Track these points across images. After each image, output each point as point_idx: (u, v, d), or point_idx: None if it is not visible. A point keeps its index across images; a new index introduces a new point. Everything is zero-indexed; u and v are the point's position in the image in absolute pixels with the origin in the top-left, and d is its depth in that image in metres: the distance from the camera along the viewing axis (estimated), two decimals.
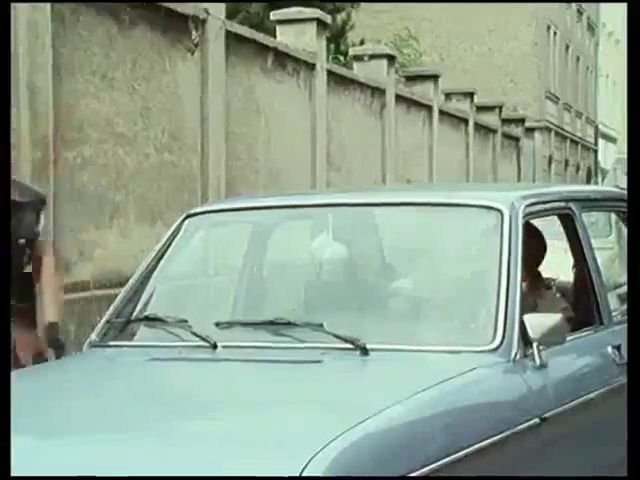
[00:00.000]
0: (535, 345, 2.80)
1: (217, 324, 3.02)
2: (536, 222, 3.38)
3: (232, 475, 2.04)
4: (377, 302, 3.11)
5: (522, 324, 2.81)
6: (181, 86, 7.91)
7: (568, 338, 2.97)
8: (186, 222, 3.40)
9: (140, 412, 2.43)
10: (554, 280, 3.80)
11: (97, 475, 2.09)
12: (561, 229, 3.47)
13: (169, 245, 3.36)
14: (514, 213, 3.02)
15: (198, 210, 3.52)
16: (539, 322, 2.82)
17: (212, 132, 8.27)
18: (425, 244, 3.29)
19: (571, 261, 3.57)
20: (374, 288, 3.17)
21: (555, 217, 3.45)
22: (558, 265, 3.82)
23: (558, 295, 3.67)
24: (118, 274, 6.67)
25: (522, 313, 2.83)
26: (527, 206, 3.10)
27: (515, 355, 2.76)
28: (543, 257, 3.39)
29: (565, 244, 3.49)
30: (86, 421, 2.38)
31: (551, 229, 3.63)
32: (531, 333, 2.80)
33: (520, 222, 3.02)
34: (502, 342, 2.76)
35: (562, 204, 3.36)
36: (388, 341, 2.83)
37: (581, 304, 3.41)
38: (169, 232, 3.41)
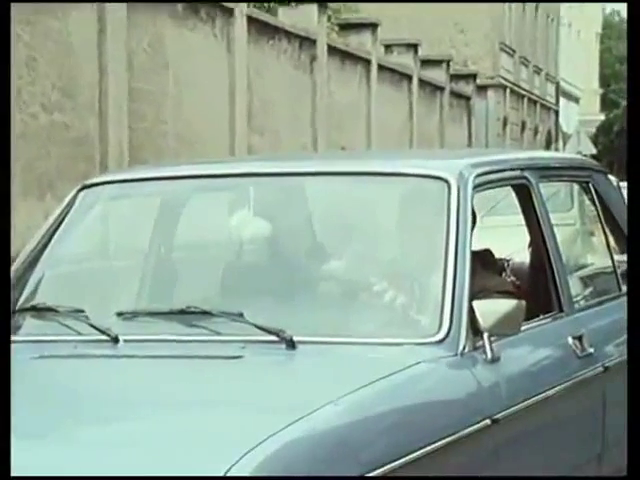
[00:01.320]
0: (486, 336, 2.85)
1: (119, 314, 3.02)
2: (488, 193, 3.43)
3: (152, 475, 2.07)
4: (306, 288, 3.13)
5: (471, 311, 2.86)
6: (74, 34, 7.81)
7: (523, 327, 3.03)
8: (81, 194, 3.38)
9: (34, 418, 2.41)
10: (508, 261, 3.87)
11: None
12: (516, 202, 3.53)
13: (61, 222, 3.33)
14: (463, 183, 3.06)
15: (96, 180, 3.49)
16: (490, 309, 2.86)
17: (112, 89, 8.19)
18: (361, 220, 3.32)
19: (527, 239, 3.63)
20: (302, 271, 3.20)
21: (509, 188, 3.51)
22: (512, 243, 3.88)
23: (512, 278, 3.74)
24: None
25: (471, 299, 2.88)
26: (477, 176, 3.14)
27: (463, 348, 2.81)
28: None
29: (520, 219, 3.54)
30: None
31: (505, 202, 3.69)
32: (481, 322, 2.84)
33: (470, 194, 3.06)
34: (449, 333, 2.80)
35: (517, 173, 3.42)
36: (318, 332, 2.85)
37: (538, 288, 3.47)
38: (61, 206, 3.38)
